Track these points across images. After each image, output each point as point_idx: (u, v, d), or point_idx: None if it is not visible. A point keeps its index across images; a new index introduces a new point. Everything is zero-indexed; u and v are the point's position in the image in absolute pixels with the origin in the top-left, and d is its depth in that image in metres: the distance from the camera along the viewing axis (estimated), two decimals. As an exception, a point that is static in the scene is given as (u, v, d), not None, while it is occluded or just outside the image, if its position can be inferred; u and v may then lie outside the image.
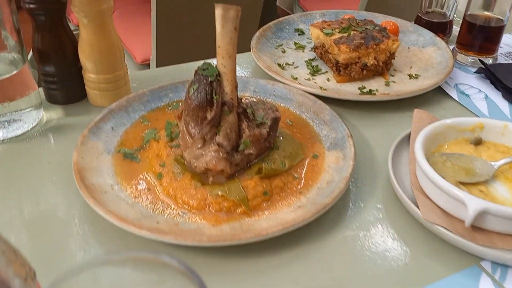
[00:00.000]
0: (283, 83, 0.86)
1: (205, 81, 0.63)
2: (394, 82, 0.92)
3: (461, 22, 1.01)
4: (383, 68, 0.93)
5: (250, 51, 0.97)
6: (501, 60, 1.03)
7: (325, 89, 0.88)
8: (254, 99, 0.72)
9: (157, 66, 1.64)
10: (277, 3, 2.98)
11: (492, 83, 0.94)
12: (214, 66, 0.65)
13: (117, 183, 0.66)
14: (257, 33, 1.02)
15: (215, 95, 0.63)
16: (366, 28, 0.94)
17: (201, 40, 1.58)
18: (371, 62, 0.90)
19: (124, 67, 0.85)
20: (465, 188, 0.64)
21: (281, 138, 0.73)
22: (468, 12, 0.98)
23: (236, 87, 0.66)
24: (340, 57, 0.90)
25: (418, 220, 0.62)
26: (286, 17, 1.10)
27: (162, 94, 0.84)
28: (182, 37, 1.66)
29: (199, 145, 0.64)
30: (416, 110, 0.77)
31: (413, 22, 1.11)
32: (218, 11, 0.61)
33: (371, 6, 1.83)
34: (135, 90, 0.89)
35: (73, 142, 0.72)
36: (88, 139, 0.72)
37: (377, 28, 0.95)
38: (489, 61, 1.00)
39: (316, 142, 0.75)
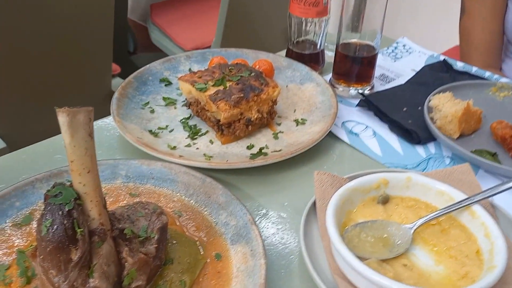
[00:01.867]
0: (161, 159, 0.72)
1: (60, 212, 0.47)
2: (282, 132, 0.84)
3: (334, 52, 0.97)
4: (268, 119, 0.84)
5: (109, 114, 0.81)
6: (377, 84, 1.01)
7: (210, 157, 0.76)
8: (129, 207, 0.57)
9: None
10: (128, 16, 2.77)
11: (376, 114, 0.91)
12: (69, 186, 0.49)
13: None
14: (117, 94, 0.86)
15: (78, 227, 0.47)
16: (241, 76, 0.84)
17: (53, 80, 1.35)
18: (255, 116, 0.81)
19: None
20: (388, 265, 0.58)
21: (174, 242, 0.59)
22: (340, 41, 0.94)
23: (105, 206, 0.51)
24: (220, 116, 0.78)
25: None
26: (147, 66, 0.96)
27: (6, 206, 0.64)
28: (26, 77, 1.39)
29: (68, 297, 0.48)
30: (316, 173, 0.70)
31: (283, 55, 1.05)
32: (62, 118, 0.45)
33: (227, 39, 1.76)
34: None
35: None
36: None
37: (253, 74, 0.85)
38: (367, 89, 0.97)
39: (215, 235, 0.63)
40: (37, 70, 1.34)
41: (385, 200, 0.67)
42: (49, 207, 0.47)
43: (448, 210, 0.62)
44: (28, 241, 0.60)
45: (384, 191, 0.67)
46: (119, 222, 0.53)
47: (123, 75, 2.11)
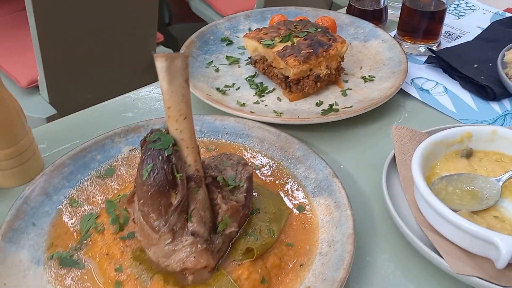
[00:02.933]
0: (234, 115, 0.72)
1: (160, 157, 0.47)
2: (351, 89, 0.82)
3: (400, 7, 0.93)
4: (336, 76, 0.82)
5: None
6: (443, 42, 0.98)
7: (280, 113, 0.75)
8: (215, 157, 0.57)
9: (48, 87, 1.37)
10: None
11: (445, 71, 0.88)
12: (166, 133, 0.49)
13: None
14: (182, 51, 0.85)
15: (177, 172, 0.47)
16: (308, 32, 0.82)
17: (98, 50, 1.36)
18: (324, 72, 0.79)
19: (29, 132, 0.64)
20: (479, 217, 0.57)
21: (256, 195, 0.59)
22: (407, -4, 0.91)
23: (199, 154, 0.51)
24: (289, 72, 0.77)
25: (443, 269, 0.53)
26: (208, 26, 0.95)
27: (87, 159, 0.65)
28: (74, 49, 1.40)
29: (168, 241, 0.48)
30: (394, 128, 0.68)
31: (344, 12, 1.02)
32: (160, 63, 0.45)
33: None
34: (48, 158, 0.69)
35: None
36: (5, 251, 0.52)
37: (319, 30, 0.83)
38: (434, 46, 0.94)
39: (295, 188, 0.63)
40: (86, 41, 1.35)
41: (469, 154, 0.65)
42: (149, 152, 0.47)
43: (538, 163, 0.60)
44: (114, 191, 0.62)
45: (467, 144, 0.65)
46: (211, 170, 0.53)
47: (165, 44, 2.12)
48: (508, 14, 1.07)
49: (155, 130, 0.49)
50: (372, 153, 0.72)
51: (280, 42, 0.81)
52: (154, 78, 0.67)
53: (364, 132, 0.76)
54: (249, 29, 0.97)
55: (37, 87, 1.46)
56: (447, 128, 0.69)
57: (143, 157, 0.48)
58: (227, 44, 0.93)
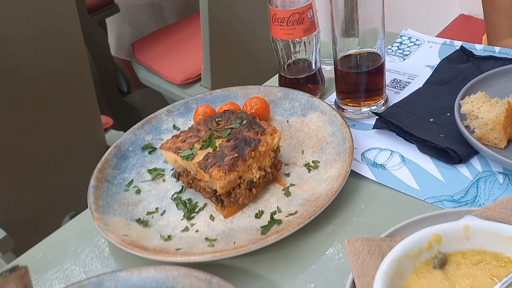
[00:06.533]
0: (155, 260, 0.59)
1: None
2: (294, 185, 0.70)
3: (332, 69, 0.82)
4: (274, 173, 0.70)
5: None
6: (391, 95, 0.86)
7: (213, 241, 0.62)
8: None
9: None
10: (114, 54, 2.67)
11: (399, 135, 0.76)
12: None
13: None
14: (93, 180, 0.72)
15: None
16: (231, 129, 0.71)
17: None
18: (258, 176, 0.67)
19: None
20: None
21: None
22: (338, 56, 0.79)
23: None
24: (216, 185, 0.65)
25: None
26: (125, 135, 0.82)
27: None
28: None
29: None
30: (346, 242, 0.55)
31: (275, 84, 0.91)
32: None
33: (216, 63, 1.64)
34: None
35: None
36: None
37: (244, 122, 0.71)
38: (381, 103, 0.82)
39: None
40: (24, 142, 1.24)
41: (442, 263, 0.52)
42: None
43: (529, 266, 0.47)
44: None
45: (437, 249, 0.52)
46: None
47: (119, 119, 2.01)
48: (456, 43, 0.97)
49: None
50: (328, 274, 0.59)
51: (200, 149, 0.69)
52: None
53: (315, 242, 0.63)
54: (174, 127, 0.85)
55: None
56: (409, 224, 0.57)
57: None
58: (149, 152, 0.81)
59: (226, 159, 0.65)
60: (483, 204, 0.62)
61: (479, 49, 0.93)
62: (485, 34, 1.20)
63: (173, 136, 0.73)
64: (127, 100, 2.64)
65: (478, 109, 0.69)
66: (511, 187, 0.64)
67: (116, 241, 0.62)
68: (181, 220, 0.68)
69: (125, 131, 0.83)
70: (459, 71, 0.86)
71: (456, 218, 0.55)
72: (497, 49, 0.93)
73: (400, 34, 1.04)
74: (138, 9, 2.81)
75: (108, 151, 0.79)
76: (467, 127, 0.71)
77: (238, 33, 1.73)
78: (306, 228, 0.63)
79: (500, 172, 0.67)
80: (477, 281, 0.50)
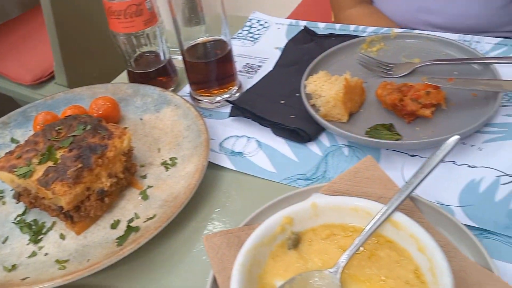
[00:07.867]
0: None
1: None
2: (152, 186, 0.67)
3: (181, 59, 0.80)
4: (128, 178, 0.66)
5: None
6: (244, 80, 0.86)
7: (65, 262, 0.57)
8: None
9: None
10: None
11: (254, 120, 0.77)
12: None
13: None
14: None
15: None
16: (74, 137, 0.65)
17: None
18: (109, 184, 0.62)
19: None
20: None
21: None
22: (184, 47, 0.77)
23: None
24: (61, 202, 0.59)
25: None
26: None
27: None
28: None
29: None
30: (204, 239, 0.54)
31: (124, 81, 0.86)
32: None
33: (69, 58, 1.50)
34: None
35: None
36: None
37: (88, 128, 0.66)
38: (234, 90, 0.82)
39: None
40: None
41: (296, 242, 0.53)
42: None
43: (366, 236, 0.50)
44: None
45: (291, 230, 0.54)
46: None
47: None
48: (301, 23, 1.01)
49: None
50: (194, 275, 0.57)
51: (39, 163, 0.62)
52: None
53: (177, 244, 0.61)
54: (12, 140, 0.76)
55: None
56: (265, 209, 0.57)
57: None
58: (-15, 174, 0.71)
59: (69, 171, 0.59)
60: (332, 178, 0.65)
61: (322, 27, 0.98)
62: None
63: (6, 153, 0.65)
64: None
65: (321, 88, 0.72)
66: (355, 159, 0.68)
67: None
68: (27, 245, 0.61)
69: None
70: (304, 51, 0.89)
71: (308, 196, 0.57)
72: (337, 26, 0.98)
73: (249, 18, 1.05)
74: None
75: None
76: (313, 106, 0.74)
77: (89, 23, 1.60)
78: (167, 231, 0.61)
79: (345, 145, 0.71)
80: (328, 254, 0.52)
